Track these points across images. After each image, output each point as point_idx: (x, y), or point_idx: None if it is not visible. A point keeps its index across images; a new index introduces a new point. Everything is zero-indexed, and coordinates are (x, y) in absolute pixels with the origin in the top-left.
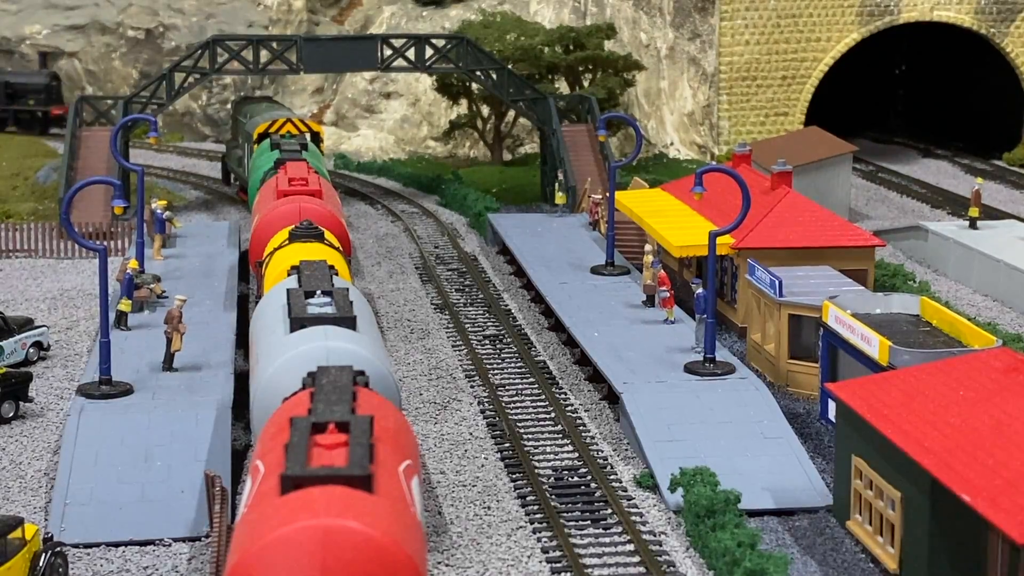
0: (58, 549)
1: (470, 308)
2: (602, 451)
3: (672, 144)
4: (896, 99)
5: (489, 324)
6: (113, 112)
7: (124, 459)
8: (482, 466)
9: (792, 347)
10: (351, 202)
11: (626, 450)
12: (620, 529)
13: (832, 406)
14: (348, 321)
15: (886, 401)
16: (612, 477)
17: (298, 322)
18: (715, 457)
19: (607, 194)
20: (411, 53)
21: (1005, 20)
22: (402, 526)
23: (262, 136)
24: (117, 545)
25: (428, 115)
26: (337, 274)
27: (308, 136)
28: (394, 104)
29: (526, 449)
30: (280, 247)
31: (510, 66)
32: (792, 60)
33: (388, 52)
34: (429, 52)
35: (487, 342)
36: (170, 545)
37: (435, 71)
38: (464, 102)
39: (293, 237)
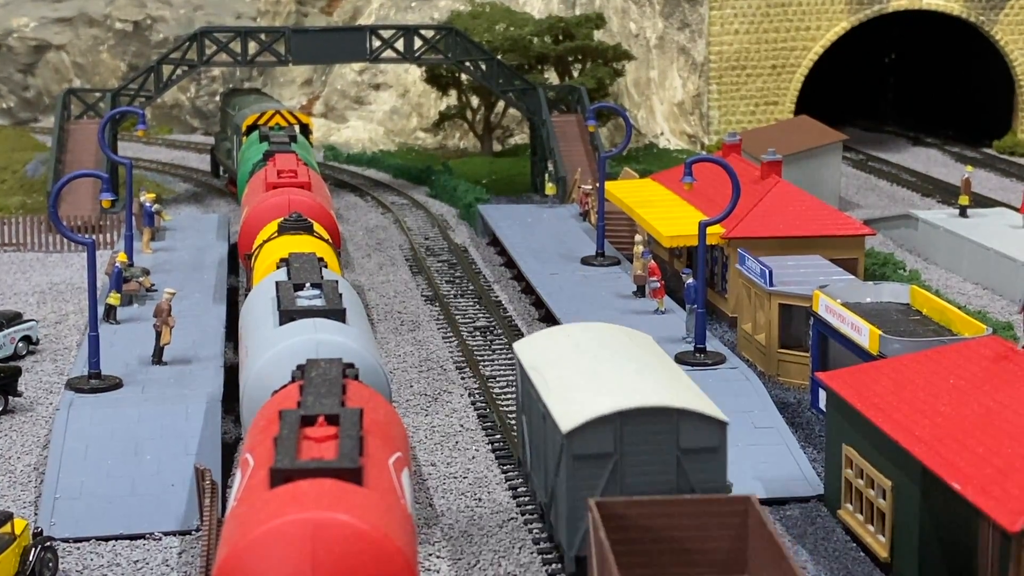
0: (48, 543)
1: (460, 300)
2: None
3: (662, 134)
4: (886, 87)
5: (480, 315)
6: (101, 105)
7: (114, 453)
8: (473, 458)
9: (783, 336)
10: (340, 194)
11: None
12: None
13: (823, 395)
14: (337, 314)
15: (876, 390)
16: None
17: (287, 315)
18: None
19: (597, 184)
20: (400, 44)
21: (995, 8)
22: (392, 519)
23: (251, 128)
24: (107, 539)
25: (418, 106)
26: (326, 266)
27: (297, 128)
28: (383, 95)
29: (517, 440)
30: (269, 239)
31: (499, 56)
32: (782, 49)
33: (377, 43)
34: (418, 43)
35: (477, 333)
36: (160, 539)
37: (424, 62)
38: (454, 93)
39: (282, 229)
